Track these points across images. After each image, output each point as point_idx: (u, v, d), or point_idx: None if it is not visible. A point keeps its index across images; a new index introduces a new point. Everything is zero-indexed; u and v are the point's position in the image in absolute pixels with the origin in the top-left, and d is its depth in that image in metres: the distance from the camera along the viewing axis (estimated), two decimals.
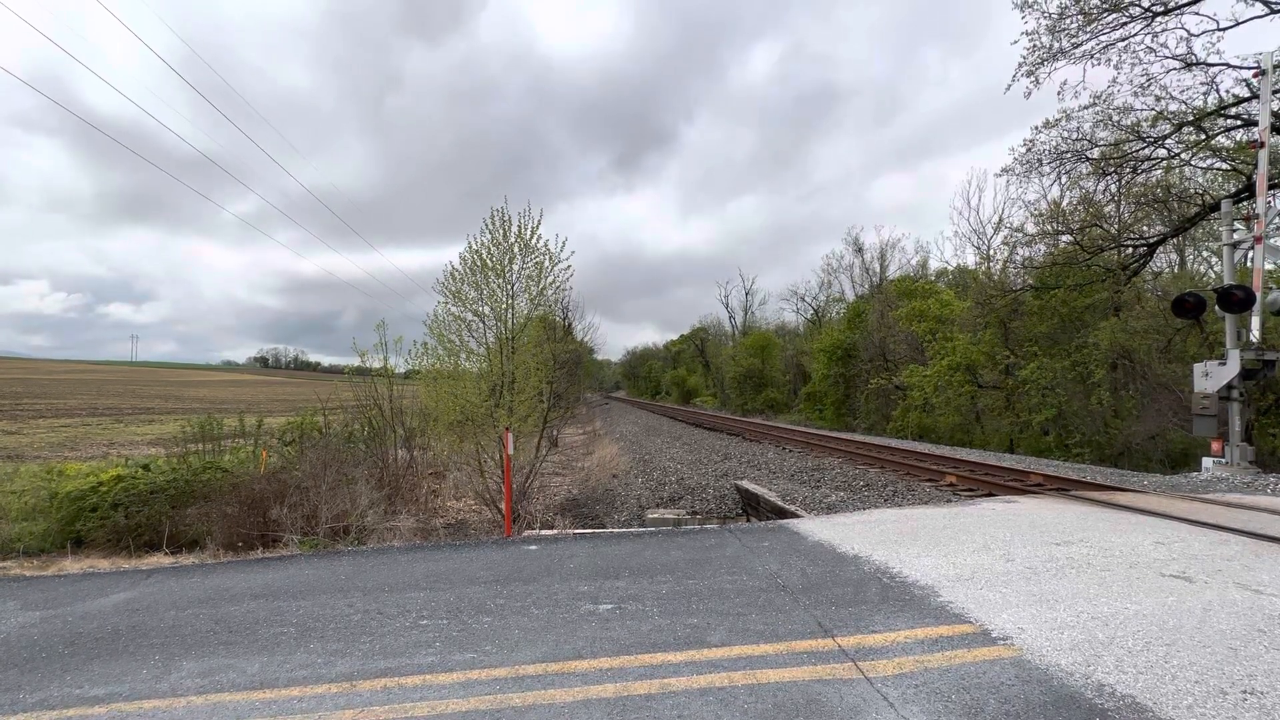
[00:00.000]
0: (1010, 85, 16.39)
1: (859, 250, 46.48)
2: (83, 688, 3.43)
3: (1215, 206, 14.44)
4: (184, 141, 21.08)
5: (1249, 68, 13.90)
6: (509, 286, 10.09)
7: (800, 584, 4.70)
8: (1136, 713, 2.73)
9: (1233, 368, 10.05)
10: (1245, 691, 2.87)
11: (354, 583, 5.22)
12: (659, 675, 3.28)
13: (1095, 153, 17.35)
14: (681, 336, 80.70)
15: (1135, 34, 14.81)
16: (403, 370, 13.12)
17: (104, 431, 29.70)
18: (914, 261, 43.08)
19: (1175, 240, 19.94)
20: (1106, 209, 19.50)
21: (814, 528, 6.64)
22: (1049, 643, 3.47)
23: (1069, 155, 17.73)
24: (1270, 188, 10.24)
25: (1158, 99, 15.47)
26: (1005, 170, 18.80)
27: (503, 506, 9.07)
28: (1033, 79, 16.02)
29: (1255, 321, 10.16)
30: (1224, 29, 14.17)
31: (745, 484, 11.18)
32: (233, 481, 10.05)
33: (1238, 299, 10.01)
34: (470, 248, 9.97)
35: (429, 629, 4.07)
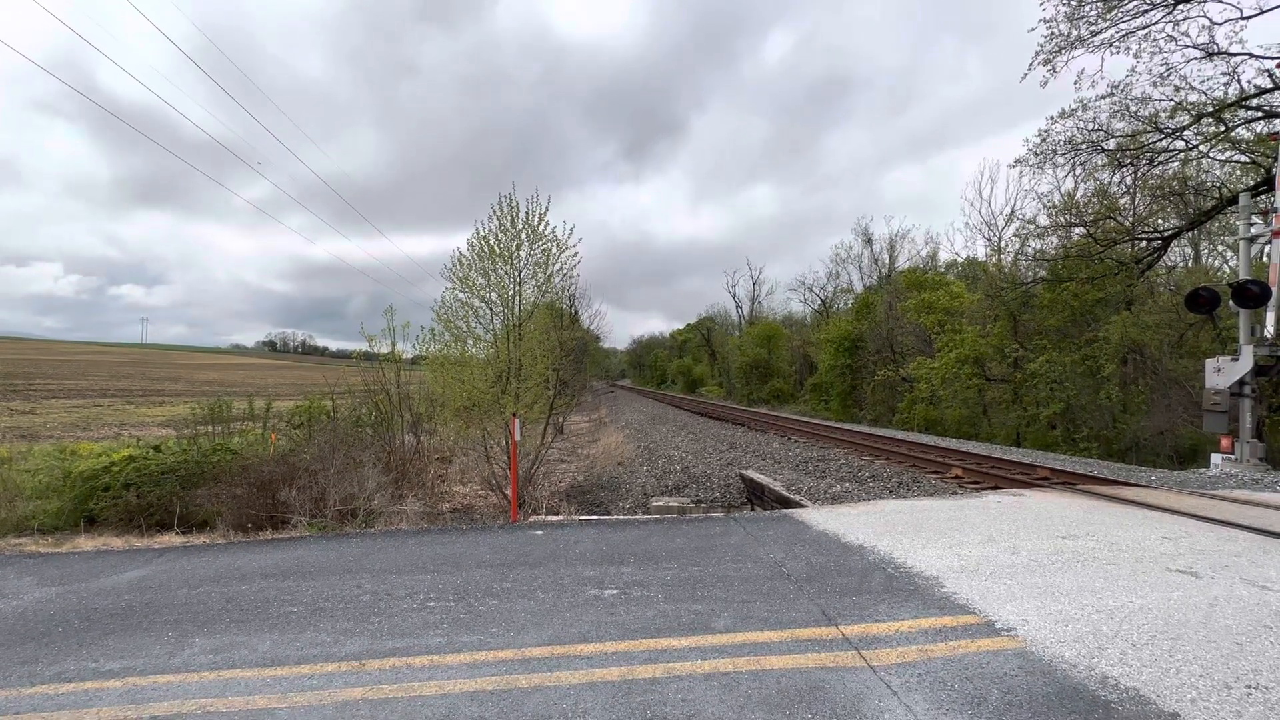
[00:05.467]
0: (1026, 74, 16.12)
1: (868, 241, 46.09)
2: (98, 662, 3.50)
3: (1233, 200, 14.22)
4: (199, 129, 21.34)
5: (1272, 58, 13.62)
6: (516, 273, 10.07)
7: (805, 572, 4.72)
8: (1140, 705, 2.73)
9: (1245, 364, 9.94)
10: (1250, 686, 2.86)
11: (362, 564, 5.29)
12: (663, 660, 3.31)
13: (1111, 144, 17.08)
14: (688, 326, 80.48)
15: (1156, 22, 14.50)
16: (410, 356, 13.17)
17: (115, 413, 30.03)
18: (924, 253, 42.61)
19: (1190, 234, 19.67)
20: (1121, 201, 19.24)
21: (819, 517, 6.65)
22: (1053, 635, 3.47)
23: (1084, 146, 17.45)
24: None
25: (1177, 89, 15.18)
26: (1019, 161, 18.55)
27: (509, 492, 9.13)
28: (1049, 68, 15.75)
29: (1270, 317, 10.03)
30: (1248, 17, 13.85)
31: (750, 473, 11.20)
32: (242, 464, 10.15)
33: (1253, 294, 9.89)
34: (478, 234, 9.94)
35: (436, 611, 4.12)
